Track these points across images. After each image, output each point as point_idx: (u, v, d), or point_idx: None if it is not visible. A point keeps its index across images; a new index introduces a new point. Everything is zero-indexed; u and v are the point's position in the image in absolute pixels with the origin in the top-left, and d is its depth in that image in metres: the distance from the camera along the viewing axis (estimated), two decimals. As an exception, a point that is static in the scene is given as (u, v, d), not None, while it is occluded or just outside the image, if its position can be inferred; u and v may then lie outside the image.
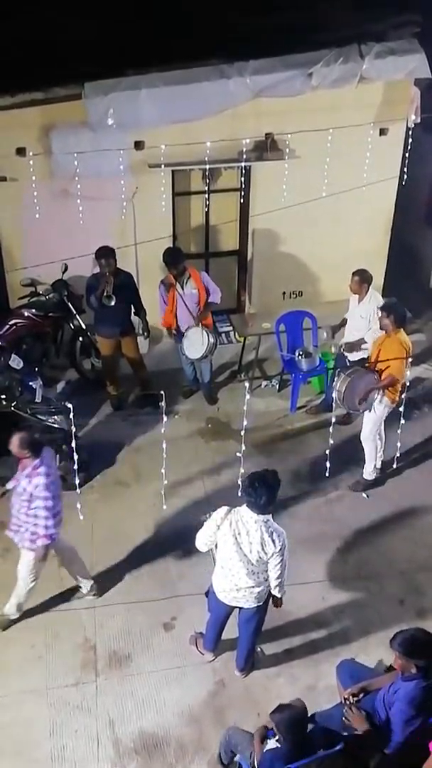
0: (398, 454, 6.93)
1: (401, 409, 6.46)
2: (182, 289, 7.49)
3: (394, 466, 7.08)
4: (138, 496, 7.02)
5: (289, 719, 4.08)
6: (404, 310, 6.65)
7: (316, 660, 5.62)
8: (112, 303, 7.30)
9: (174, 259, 7.43)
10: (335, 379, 6.77)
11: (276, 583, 4.94)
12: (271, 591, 5.03)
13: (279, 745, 4.14)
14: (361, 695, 4.56)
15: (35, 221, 7.80)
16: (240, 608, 5.12)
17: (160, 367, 8.50)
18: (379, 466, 7.10)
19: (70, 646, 5.70)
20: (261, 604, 5.06)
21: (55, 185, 7.86)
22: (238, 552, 4.77)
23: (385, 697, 4.39)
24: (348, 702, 4.52)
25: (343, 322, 7.50)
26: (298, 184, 8.26)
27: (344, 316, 7.51)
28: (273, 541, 4.73)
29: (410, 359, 6.45)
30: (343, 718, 4.44)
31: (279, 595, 5.08)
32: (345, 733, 4.35)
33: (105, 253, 7.27)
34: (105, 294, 7.26)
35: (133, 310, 7.68)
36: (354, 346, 7.28)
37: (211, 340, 7.52)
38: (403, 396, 6.52)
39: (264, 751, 4.25)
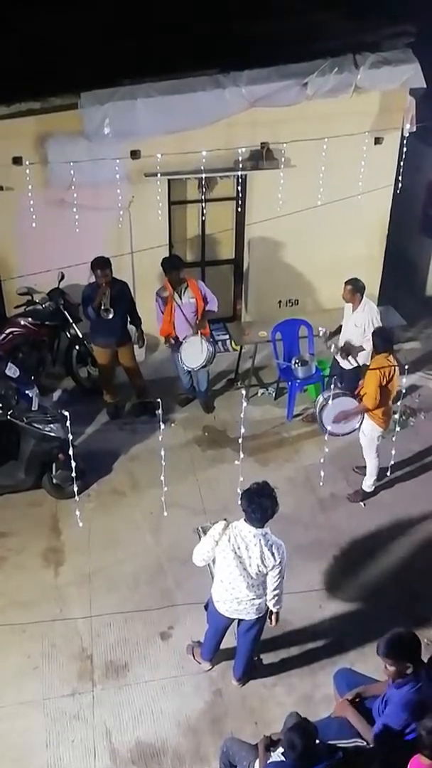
0: (392, 462, 6.93)
1: (396, 416, 6.45)
2: (180, 298, 7.49)
3: (389, 474, 7.08)
4: (134, 504, 7.02)
5: (301, 748, 3.92)
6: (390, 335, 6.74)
7: (314, 669, 5.61)
8: (110, 316, 7.31)
9: (173, 267, 7.43)
10: (317, 400, 6.77)
11: (273, 595, 4.93)
12: (268, 604, 5.01)
13: (284, 759, 4.07)
14: (357, 701, 4.56)
15: (31, 230, 7.80)
16: (240, 620, 5.10)
17: (156, 375, 8.51)
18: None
19: (66, 655, 5.68)
20: (261, 615, 5.05)
21: (52, 194, 7.87)
22: (239, 566, 4.76)
23: (380, 708, 4.38)
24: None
25: (339, 330, 7.52)
26: (293, 193, 8.28)
27: (340, 323, 7.54)
28: (273, 554, 4.73)
29: (390, 382, 6.45)
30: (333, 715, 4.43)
31: (275, 609, 5.06)
32: (343, 743, 4.34)
33: (100, 264, 7.25)
34: (103, 307, 7.26)
35: (129, 319, 7.69)
36: (351, 349, 7.29)
37: (210, 349, 7.53)
38: (398, 404, 6.51)
39: (268, 762, 4.21)
